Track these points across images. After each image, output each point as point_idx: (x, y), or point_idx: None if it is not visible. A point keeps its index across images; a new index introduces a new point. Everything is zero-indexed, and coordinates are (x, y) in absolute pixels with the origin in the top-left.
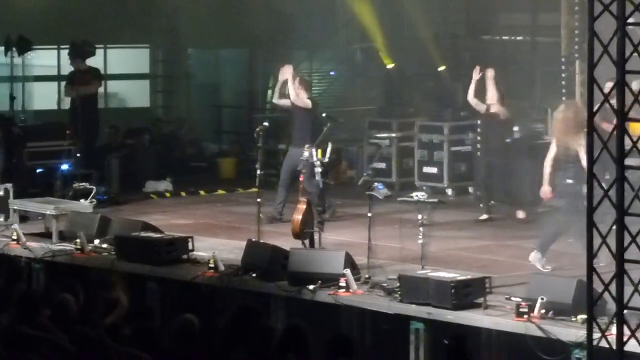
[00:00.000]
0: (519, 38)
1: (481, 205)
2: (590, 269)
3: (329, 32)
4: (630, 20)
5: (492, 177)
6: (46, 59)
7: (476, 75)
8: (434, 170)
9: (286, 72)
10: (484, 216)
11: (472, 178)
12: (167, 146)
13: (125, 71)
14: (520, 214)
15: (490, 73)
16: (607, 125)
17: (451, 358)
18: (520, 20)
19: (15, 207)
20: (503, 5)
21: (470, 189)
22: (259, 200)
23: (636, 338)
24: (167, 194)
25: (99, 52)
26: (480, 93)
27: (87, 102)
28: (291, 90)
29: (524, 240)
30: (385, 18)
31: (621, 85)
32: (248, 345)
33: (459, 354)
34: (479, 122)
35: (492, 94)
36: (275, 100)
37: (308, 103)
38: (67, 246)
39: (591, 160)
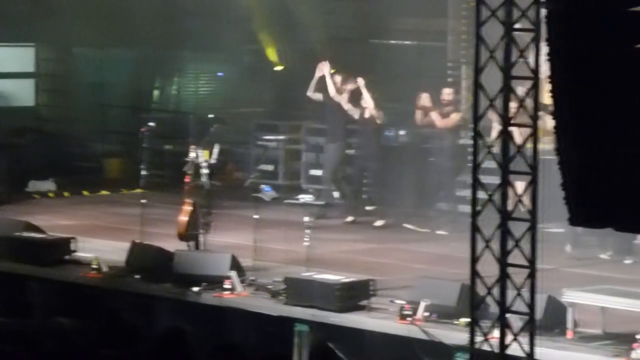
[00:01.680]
0: (407, 42)
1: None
2: (473, 273)
3: (217, 33)
4: (517, 26)
5: (365, 182)
6: None
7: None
8: (320, 172)
9: (324, 68)
10: (350, 218)
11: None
12: (51, 146)
13: (10, 70)
14: (378, 222)
15: (361, 81)
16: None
17: None
18: (409, 25)
19: None
20: (392, 9)
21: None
22: (143, 201)
23: (518, 342)
24: (51, 194)
25: None
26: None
27: None
28: (330, 85)
29: (410, 244)
30: (276, 20)
31: (506, 90)
32: (120, 347)
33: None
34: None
35: (366, 99)
36: (310, 94)
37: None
38: None
39: (475, 165)
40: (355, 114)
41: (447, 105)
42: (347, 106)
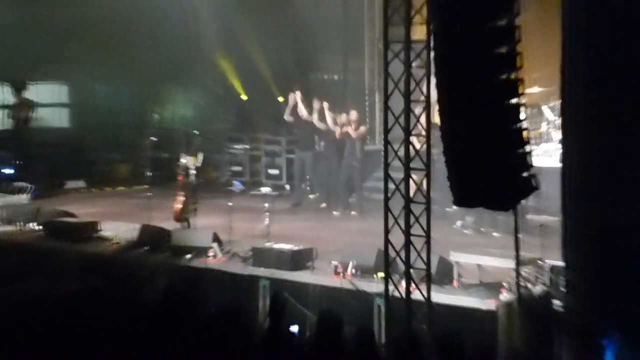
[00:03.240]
0: (335, 77)
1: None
2: (386, 241)
3: (199, 73)
4: (414, 64)
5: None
6: None
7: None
8: (276, 171)
9: (296, 97)
10: (323, 204)
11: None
12: (80, 155)
13: (51, 101)
14: (335, 212)
15: (325, 104)
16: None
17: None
18: (336, 63)
19: None
20: (323, 52)
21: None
22: (148, 194)
23: (419, 289)
24: (81, 190)
25: None
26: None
27: (23, 124)
28: (302, 111)
29: (337, 222)
30: (240, 64)
31: (407, 110)
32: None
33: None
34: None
35: (327, 117)
36: (286, 117)
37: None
38: (9, 228)
39: (386, 164)
40: (322, 127)
41: (354, 122)
42: (318, 123)
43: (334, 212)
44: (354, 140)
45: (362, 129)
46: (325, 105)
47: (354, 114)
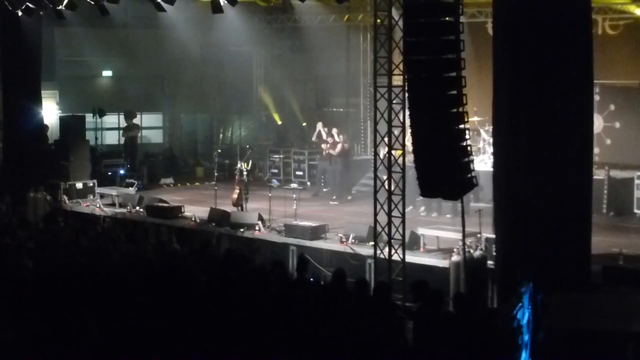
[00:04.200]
0: (340, 110)
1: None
2: (375, 220)
3: (249, 105)
4: (394, 101)
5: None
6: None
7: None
8: (301, 173)
9: (319, 125)
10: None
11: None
12: (170, 160)
13: (151, 125)
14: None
15: (335, 130)
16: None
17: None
18: (340, 100)
19: (98, 192)
20: (333, 93)
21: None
22: (215, 188)
23: (397, 253)
24: (171, 185)
25: None
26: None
27: (132, 140)
28: (323, 134)
29: (340, 207)
30: (277, 97)
31: (389, 132)
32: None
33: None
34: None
35: (339, 140)
36: (313, 139)
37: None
38: (123, 210)
39: (375, 168)
40: (333, 149)
41: (337, 143)
42: (331, 149)
43: (330, 202)
44: (338, 155)
45: (339, 147)
46: (335, 131)
47: (338, 137)
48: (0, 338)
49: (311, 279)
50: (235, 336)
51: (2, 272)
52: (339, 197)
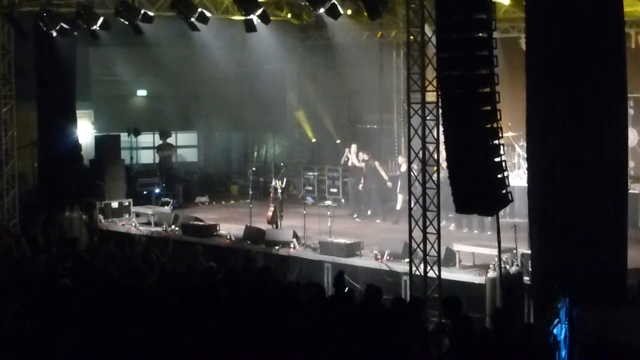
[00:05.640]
0: (374, 126)
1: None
2: (410, 237)
3: (283, 122)
4: (428, 117)
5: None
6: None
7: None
8: (335, 190)
9: (353, 146)
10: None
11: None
12: (205, 179)
13: (187, 144)
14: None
15: (364, 154)
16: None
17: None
18: (374, 117)
19: (133, 211)
20: (366, 110)
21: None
22: (250, 205)
23: (432, 270)
24: (206, 203)
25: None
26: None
27: (167, 159)
28: (354, 156)
29: (378, 224)
30: (311, 115)
31: (423, 148)
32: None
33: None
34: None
35: (366, 160)
36: (344, 160)
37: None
38: (158, 229)
39: (409, 184)
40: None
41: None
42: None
43: (354, 217)
44: (367, 172)
45: (371, 163)
46: (365, 155)
47: (362, 154)
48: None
49: (347, 295)
50: (272, 353)
51: (42, 290)
52: (360, 214)
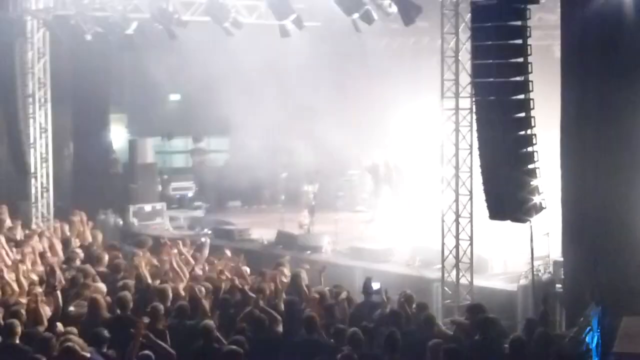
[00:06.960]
0: None
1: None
2: (442, 243)
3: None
4: (461, 124)
5: None
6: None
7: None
8: (366, 196)
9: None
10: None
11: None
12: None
13: (218, 149)
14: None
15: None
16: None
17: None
18: None
19: (166, 214)
20: None
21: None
22: (282, 210)
23: (465, 276)
24: (238, 207)
25: None
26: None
27: (200, 163)
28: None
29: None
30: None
31: (456, 155)
32: None
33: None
34: None
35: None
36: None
37: None
38: (191, 232)
39: (442, 191)
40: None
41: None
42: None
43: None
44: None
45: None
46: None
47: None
48: None
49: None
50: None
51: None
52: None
